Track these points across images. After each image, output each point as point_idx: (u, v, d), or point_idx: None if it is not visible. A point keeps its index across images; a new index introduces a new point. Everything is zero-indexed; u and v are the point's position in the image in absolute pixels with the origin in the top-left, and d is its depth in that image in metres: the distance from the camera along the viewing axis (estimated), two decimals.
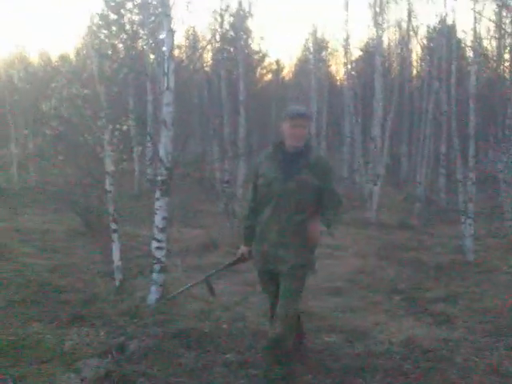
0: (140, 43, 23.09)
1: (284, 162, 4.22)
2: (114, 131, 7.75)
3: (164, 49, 6.59)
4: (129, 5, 23.05)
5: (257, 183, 4.32)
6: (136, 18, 23.09)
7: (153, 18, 20.52)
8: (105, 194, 7.42)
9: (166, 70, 6.34)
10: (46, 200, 15.02)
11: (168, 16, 6.38)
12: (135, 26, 23.12)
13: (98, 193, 9.44)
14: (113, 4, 22.50)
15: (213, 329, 5.54)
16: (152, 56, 19.92)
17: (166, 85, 6.35)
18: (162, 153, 6.41)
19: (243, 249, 4.58)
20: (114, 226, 7.10)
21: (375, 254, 9.89)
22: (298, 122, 4.15)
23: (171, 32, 6.36)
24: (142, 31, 22.54)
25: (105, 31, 22.90)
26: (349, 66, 23.01)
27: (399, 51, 23.24)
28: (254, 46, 25.76)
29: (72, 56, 29.97)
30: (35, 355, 4.85)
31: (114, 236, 7.09)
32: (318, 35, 26.70)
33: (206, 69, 23.81)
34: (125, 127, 8.74)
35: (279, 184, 4.15)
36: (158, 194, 6.45)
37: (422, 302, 7.04)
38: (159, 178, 6.50)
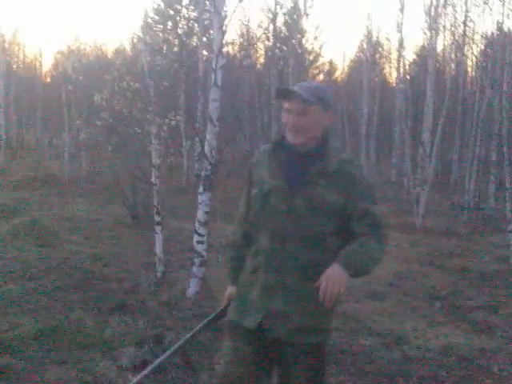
0: (194, 39, 23.32)
1: (288, 165, 2.72)
2: (162, 125, 7.86)
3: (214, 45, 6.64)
4: (185, 1, 23.34)
5: (250, 195, 2.87)
6: (192, 14, 23.34)
7: (207, 15, 20.69)
8: (151, 186, 7.54)
9: (214, 67, 6.40)
10: (95, 190, 15.32)
11: (219, 13, 6.44)
12: (190, 22, 23.37)
13: (145, 185, 9.59)
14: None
15: None
16: (205, 52, 20.08)
17: (213, 81, 6.41)
18: (206, 148, 6.48)
19: (230, 290, 2.96)
20: (157, 219, 7.22)
21: (418, 259, 9.78)
22: (291, 106, 2.66)
23: (221, 29, 6.41)
24: (196, 27, 22.75)
25: (160, 26, 23.27)
26: (402, 69, 22.81)
27: (453, 56, 22.85)
28: (308, 46, 25.67)
29: (127, 50, 30.42)
30: (76, 341, 4.96)
31: (158, 228, 7.21)
32: (373, 37, 26.55)
33: (258, 66, 23.91)
34: (173, 122, 8.87)
35: (280, 198, 2.67)
36: (201, 189, 6.54)
37: (462, 309, 6.94)
38: (203, 173, 6.58)
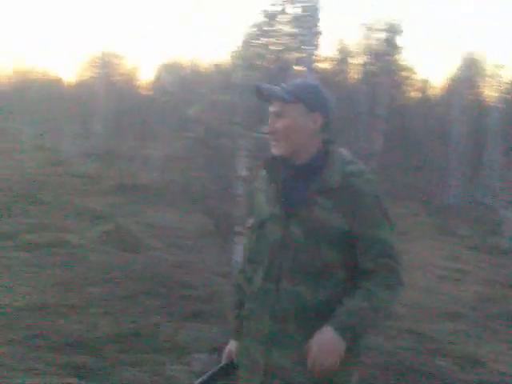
0: (289, 55, 23.46)
1: (285, 186, 2.22)
2: (250, 138, 7.95)
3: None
4: (284, 17, 23.56)
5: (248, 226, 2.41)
6: (289, 29, 23.50)
7: (303, 31, 20.78)
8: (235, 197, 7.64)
9: None
10: (181, 199, 15.62)
11: (314, 29, 6.47)
12: (287, 38, 23.54)
13: (230, 196, 9.70)
14: (268, 15, 23.13)
15: None
16: (299, 68, 20.15)
17: None
18: None
19: (231, 345, 2.41)
20: (238, 229, 7.29)
21: (502, 282, 9.42)
22: (271, 108, 2.23)
23: (315, 46, 6.44)
24: (292, 44, 22.89)
25: (258, 41, 23.57)
26: (499, 88, 22.17)
27: None
28: (402, 62, 25.34)
29: (224, 65, 30.99)
30: (151, 344, 5.09)
31: (238, 239, 7.27)
32: (470, 56, 25.93)
33: (350, 81, 23.80)
34: (260, 135, 8.96)
35: (275, 226, 2.17)
36: None
37: None
38: None
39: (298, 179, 2.20)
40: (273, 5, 19.07)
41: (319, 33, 16.25)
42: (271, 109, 2.20)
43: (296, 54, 20.50)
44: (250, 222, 2.33)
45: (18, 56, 48.52)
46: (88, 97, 30.51)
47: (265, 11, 20.44)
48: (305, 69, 18.07)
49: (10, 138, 28.27)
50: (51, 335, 5.01)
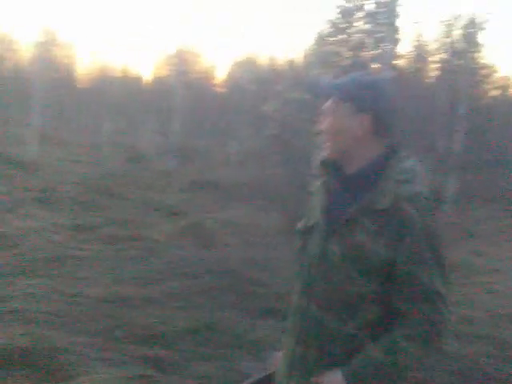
0: (365, 52, 23.24)
1: (334, 196, 1.96)
2: None
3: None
4: (359, 14, 23.33)
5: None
6: (365, 26, 23.29)
7: (381, 28, 20.54)
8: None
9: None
10: (257, 197, 15.71)
11: (392, 25, 6.40)
12: (363, 35, 23.32)
13: (306, 193, 9.69)
14: (344, 11, 22.93)
15: None
16: (375, 65, 19.93)
17: None
18: None
19: (276, 356, 2.17)
20: None
21: None
22: (324, 109, 1.97)
23: (395, 41, 6.36)
24: (367, 40, 22.67)
25: (333, 38, 23.43)
26: None
27: None
28: (482, 60, 24.65)
29: (298, 62, 30.97)
30: (224, 339, 5.15)
31: None
32: None
33: (428, 80, 23.35)
34: None
35: (317, 239, 1.93)
36: None
37: None
38: None
39: (347, 190, 1.90)
40: (348, 1, 18.97)
41: (396, 29, 16.00)
42: (324, 109, 1.97)
43: (372, 51, 20.33)
44: (300, 224, 2.09)
45: (98, 53, 49.83)
46: (165, 94, 31.04)
47: (340, 7, 20.35)
48: (381, 66, 17.90)
49: (91, 135, 29.18)
50: (130, 327, 5.14)
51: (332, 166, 1.97)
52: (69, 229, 9.26)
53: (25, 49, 43.91)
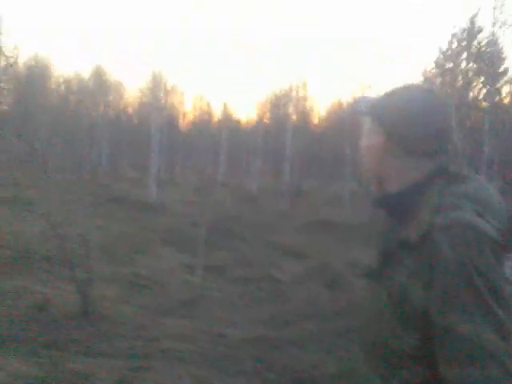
0: (472, 92, 22.83)
1: (385, 227, 1.62)
2: None
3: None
4: (464, 54, 23.00)
5: None
6: (473, 66, 22.92)
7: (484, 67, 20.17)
8: None
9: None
10: (374, 237, 15.52)
11: (496, 65, 6.29)
12: (470, 74, 22.95)
13: None
14: (449, 54, 22.65)
15: None
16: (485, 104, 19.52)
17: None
18: None
19: None
20: None
21: None
22: (363, 130, 1.69)
23: (494, 82, 6.24)
24: (473, 80, 22.29)
25: (439, 79, 23.15)
26: None
27: None
28: None
29: None
30: None
31: None
32: None
33: None
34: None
35: (372, 282, 1.58)
36: None
37: None
38: None
39: (392, 220, 1.56)
40: (451, 42, 18.72)
41: (499, 68, 15.63)
42: (363, 130, 1.67)
43: (476, 91, 19.91)
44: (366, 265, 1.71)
45: (202, 97, 51.29)
46: (267, 136, 31.55)
47: (440, 49, 20.12)
48: (486, 105, 17.48)
49: (198, 175, 29.84)
50: (280, 370, 5.18)
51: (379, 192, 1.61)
52: (199, 269, 9.50)
53: (133, 94, 45.96)
